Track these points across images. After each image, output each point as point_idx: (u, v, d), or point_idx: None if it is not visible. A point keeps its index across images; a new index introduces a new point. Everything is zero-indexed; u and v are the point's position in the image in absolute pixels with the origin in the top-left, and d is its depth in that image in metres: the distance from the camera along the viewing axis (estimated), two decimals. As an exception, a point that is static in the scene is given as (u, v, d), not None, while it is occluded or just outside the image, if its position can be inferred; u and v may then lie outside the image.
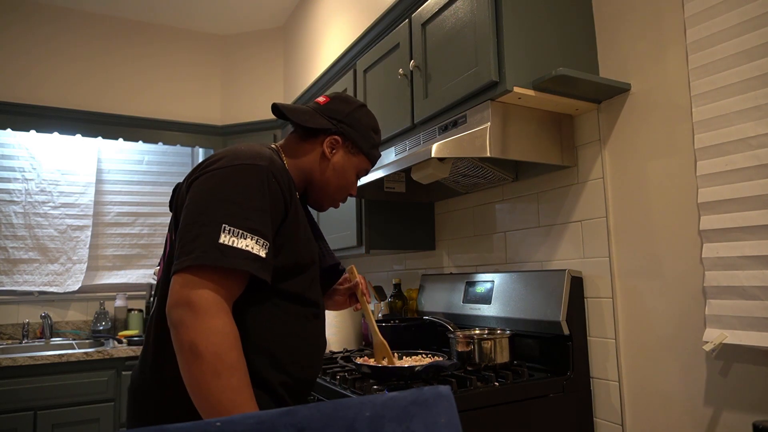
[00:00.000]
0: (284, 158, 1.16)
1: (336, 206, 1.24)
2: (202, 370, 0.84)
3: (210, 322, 0.86)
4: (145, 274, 3.29)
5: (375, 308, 2.35)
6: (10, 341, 2.89)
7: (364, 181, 1.79)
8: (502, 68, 1.40)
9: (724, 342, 1.18)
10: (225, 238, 0.89)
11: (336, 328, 2.28)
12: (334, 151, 1.17)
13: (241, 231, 0.91)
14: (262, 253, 0.93)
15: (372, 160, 1.23)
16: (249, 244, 0.91)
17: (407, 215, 2.23)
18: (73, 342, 2.90)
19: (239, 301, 0.97)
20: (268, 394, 0.99)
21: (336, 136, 1.17)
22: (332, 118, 1.17)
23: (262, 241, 0.93)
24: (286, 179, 1.02)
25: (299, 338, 1.05)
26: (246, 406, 0.85)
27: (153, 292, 2.72)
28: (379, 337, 1.43)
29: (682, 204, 1.34)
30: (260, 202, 0.95)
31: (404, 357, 1.57)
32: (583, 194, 1.60)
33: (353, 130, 1.18)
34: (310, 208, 1.34)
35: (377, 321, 2.06)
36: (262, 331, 1.00)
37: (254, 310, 1.00)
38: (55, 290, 3.03)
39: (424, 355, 1.59)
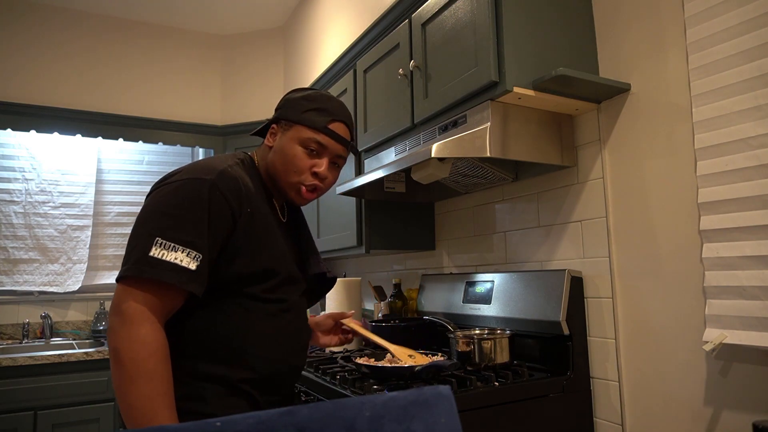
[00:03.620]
0: (258, 167, 1.20)
1: (305, 194, 1.17)
2: (120, 375, 0.90)
3: (133, 331, 0.91)
4: (145, 274, 3.29)
5: (375, 308, 2.35)
6: (10, 341, 2.89)
7: (364, 181, 1.79)
8: (502, 68, 1.40)
9: (724, 342, 1.18)
10: (155, 251, 0.95)
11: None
12: (273, 138, 1.18)
13: (172, 244, 0.96)
14: (192, 266, 0.97)
15: (310, 124, 1.14)
16: (179, 256, 0.95)
17: (407, 215, 2.23)
18: (73, 342, 2.90)
19: (203, 302, 1.03)
20: (231, 393, 1.05)
21: (273, 125, 1.19)
22: (274, 113, 1.22)
23: (194, 253, 0.97)
24: (235, 190, 1.05)
25: (264, 334, 1.08)
26: (158, 415, 0.89)
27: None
28: (395, 347, 1.49)
29: (682, 204, 1.34)
30: (198, 215, 0.99)
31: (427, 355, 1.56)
32: (583, 194, 1.60)
33: (285, 109, 1.18)
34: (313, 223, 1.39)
35: (377, 321, 2.06)
36: (222, 330, 1.05)
37: (215, 310, 1.05)
38: (55, 290, 3.03)
39: (424, 355, 1.59)
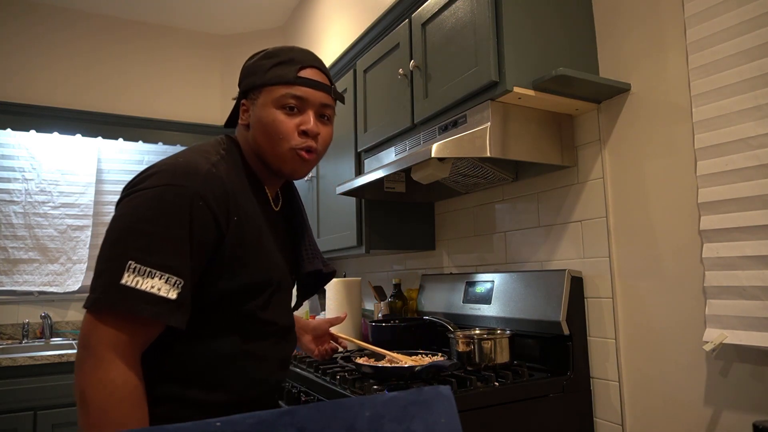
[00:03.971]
0: (244, 153, 1.07)
1: (304, 157, 1.02)
2: (85, 421, 0.79)
3: (101, 373, 0.80)
4: (145, 274, 3.29)
5: (375, 308, 2.35)
6: (10, 341, 2.88)
7: (364, 181, 1.79)
8: (502, 68, 1.40)
9: (724, 342, 1.18)
10: (128, 278, 0.81)
11: (336, 329, 2.28)
12: (246, 114, 1.04)
13: (148, 269, 0.82)
14: (172, 294, 0.83)
15: (279, 80, 0.99)
16: (156, 284, 0.82)
17: (407, 215, 2.23)
18: (73, 342, 2.90)
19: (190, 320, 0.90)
20: (210, 416, 0.91)
21: (242, 101, 1.06)
22: (238, 88, 1.09)
23: (173, 279, 0.84)
24: (221, 197, 0.92)
25: (250, 357, 0.98)
26: None
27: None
28: (390, 353, 1.53)
29: (683, 204, 1.34)
30: (179, 232, 0.86)
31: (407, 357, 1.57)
32: (583, 194, 1.60)
33: (247, 78, 1.04)
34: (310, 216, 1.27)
35: (377, 321, 2.06)
36: (206, 353, 0.94)
37: (198, 333, 0.93)
38: (55, 290, 3.03)
39: (424, 355, 1.59)
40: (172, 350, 0.92)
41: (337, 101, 1.09)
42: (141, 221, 0.85)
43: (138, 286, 0.81)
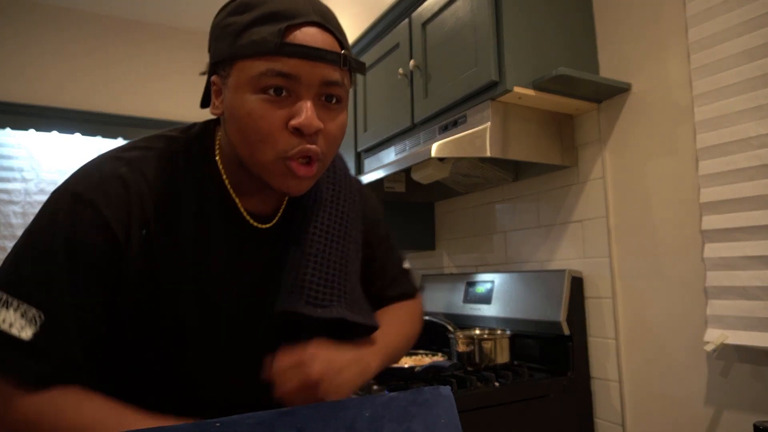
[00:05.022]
0: (220, 150, 0.76)
1: (297, 172, 0.67)
2: None
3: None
4: (145, 274, 3.29)
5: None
6: (9, 341, 2.88)
7: (363, 180, 1.79)
8: (502, 68, 1.40)
9: (725, 342, 1.18)
10: None
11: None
12: (219, 99, 0.71)
13: (7, 297, 0.61)
14: (25, 333, 0.59)
15: (255, 49, 0.64)
16: (8, 317, 0.59)
17: (407, 215, 2.22)
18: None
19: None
20: None
21: (212, 78, 0.73)
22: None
23: (32, 312, 0.60)
24: (123, 198, 0.66)
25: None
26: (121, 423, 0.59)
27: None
28: None
29: (684, 204, 1.34)
30: (53, 251, 0.63)
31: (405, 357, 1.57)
32: (584, 194, 1.60)
33: (214, 45, 0.71)
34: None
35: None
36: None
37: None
38: None
39: (424, 355, 1.59)
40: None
41: (355, 73, 0.73)
42: (24, 237, 0.65)
43: None
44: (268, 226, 0.78)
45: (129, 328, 0.68)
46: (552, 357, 1.56)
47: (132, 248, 0.66)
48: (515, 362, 1.59)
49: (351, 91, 1.98)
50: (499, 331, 1.62)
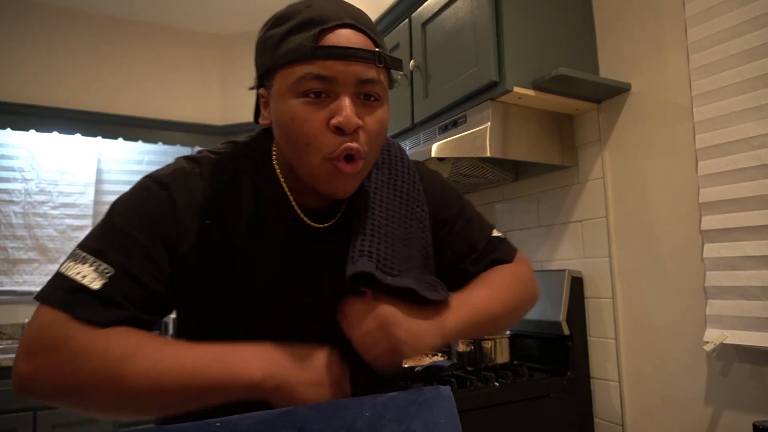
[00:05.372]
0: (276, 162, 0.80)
1: (343, 169, 0.69)
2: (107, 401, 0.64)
3: (61, 354, 0.65)
4: (145, 274, 3.28)
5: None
6: (9, 341, 2.88)
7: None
8: (502, 68, 1.40)
9: (724, 342, 1.18)
10: (66, 264, 0.69)
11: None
12: (267, 110, 0.76)
13: (83, 254, 0.68)
14: (95, 284, 0.65)
15: (292, 57, 0.68)
16: (83, 270, 0.66)
17: (407, 215, 2.22)
18: (73, 342, 2.89)
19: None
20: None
21: (260, 92, 0.77)
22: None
23: (103, 266, 0.66)
24: (190, 192, 0.73)
25: None
26: (179, 357, 0.64)
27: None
28: None
29: (683, 204, 1.34)
30: (128, 219, 0.70)
31: None
32: (583, 194, 1.60)
33: (258, 60, 0.76)
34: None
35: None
36: None
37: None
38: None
39: (424, 355, 1.59)
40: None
41: (392, 70, 0.75)
42: (108, 209, 0.74)
43: (68, 273, 0.67)
44: (325, 225, 0.80)
45: (185, 309, 0.76)
46: (552, 357, 1.56)
47: (194, 234, 0.72)
48: (515, 362, 1.59)
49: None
50: (499, 331, 1.62)
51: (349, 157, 0.69)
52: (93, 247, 0.68)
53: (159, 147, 3.42)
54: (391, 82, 0.76)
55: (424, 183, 0.89)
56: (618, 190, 1.51)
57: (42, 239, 3.06)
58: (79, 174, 3.18)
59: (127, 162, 3.36)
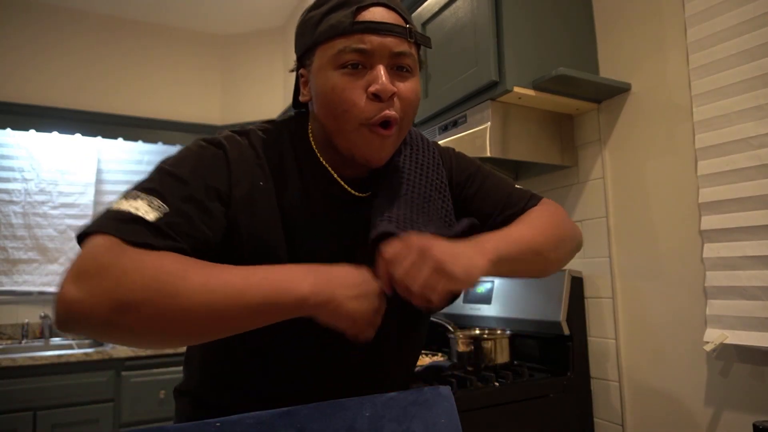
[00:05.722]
0: (313, 139, 0.86)
1: (380, 133, 0.76)
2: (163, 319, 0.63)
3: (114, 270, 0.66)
4: (145, 274, 3.29)
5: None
6: (9, 341, 2.88)
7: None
8: (502, 68, 1.40)
9: (724, 342, 1.18)
10: (118, 202, 0.70)
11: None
12: (307, 88, 0.83)
13: (137, 192, 0.71)
14: (150, 216, 0.67)
15: (332, 32, 0.76)
16: (136, 205, 0.68)
17: (407, 215, 2.22)
18: (73, 342, 2.89)
19: None
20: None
21: (300, 72, 0.84)
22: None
23: (156, 203, 0.69)
24: (242, 153, 0.79)
25: (253, 356, 0.82)
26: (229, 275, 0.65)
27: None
28: None
29: (683, 204, 1.34)
30: (181, 169, 0.74)
31: None
32: (583, 194, 1.60)
33: (298, 41, 0.83)
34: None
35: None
36: (211, 350, 0.85)
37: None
38: (55, 290, 3.03)
39: (424, 355, 1.59)
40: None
41: (422, 46, 0.83)
42: (160, 163, 0.77)
43: (120, 207, 0.68)
44: (365, 195, 0.86)
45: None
46: (552, 357, 1.56)
47: (246, 190, 0.76)
48: (515, 362, 1.59)
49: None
50: (499, 331, 1.62)
51: (386, 123, 0.76)
52: (146, 186, 0.71)
53: (159, 147, 3.43)
54: (420, 63, 0.83)
55: (442, 155, 0.96)
56: (618, 190, 1.51)
57: (42, 239, 3.06)
58: (79, 174, 3.18)
59: (127, 162, 3.37)
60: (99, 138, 3.18)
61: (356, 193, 0.84)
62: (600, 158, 1.56)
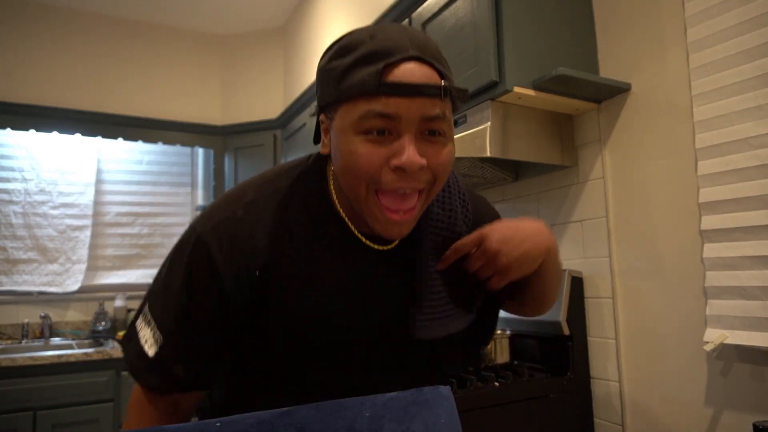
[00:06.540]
0: (332, 185, 0.79)
1: (390, 220, 0.70)
2: None
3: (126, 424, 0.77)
4: (145, 275, 3.29)
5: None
6: (9, 341, 2.88)
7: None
8: (502, 68, 1.40)
9: (724, 342, 1.18)
10: (139, 322, 0.77)
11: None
12: (328, 137, 0.75)
13: (150, 316, 0.75)
14: (151, 351, 0.73)
15: (356, 91, 0.66)
16: (146, 336, 0.74)
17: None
18: (73, 342, 2.89)
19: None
20: None
21: (320, 118, 0.76)
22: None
23: (158, 334, 0.73)
24: (233, 248, 0.72)
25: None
26: None
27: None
28: None
29: (683, 204, 1.34)
30: (174, 284, 0.74)
31: None
32: (584, 194, 1.60)
33: (320, 89, 0.73)
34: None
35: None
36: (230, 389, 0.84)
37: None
38: (55, 290, 3.03)
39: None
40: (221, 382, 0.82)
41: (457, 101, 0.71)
42: (165, 259, 0.78)
43: (138, 332, 0.76)
44: (389, 247, 0.80)
45: (249, 348, 0.76)
46: (552, 357, 1.56)
47: (243, 284, 0.72)
48: (515, 362, 1.59)
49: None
50: (499, 331, 1.62)
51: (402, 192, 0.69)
52: (152, 308, 0.76)
53: (159, 147, 3.43)
54: (455, 108, 0.74)
55: (474, 212, 0.89)
56: (618, 190, 1.51)
57: (42, 239, 3.06)
58: (78, 174, 3.18)
59: (127, 162, 3.36)
60: (99, 138, 3.18)
61: (377, 247, 0.79)
62: (600, 158, 1.56)
